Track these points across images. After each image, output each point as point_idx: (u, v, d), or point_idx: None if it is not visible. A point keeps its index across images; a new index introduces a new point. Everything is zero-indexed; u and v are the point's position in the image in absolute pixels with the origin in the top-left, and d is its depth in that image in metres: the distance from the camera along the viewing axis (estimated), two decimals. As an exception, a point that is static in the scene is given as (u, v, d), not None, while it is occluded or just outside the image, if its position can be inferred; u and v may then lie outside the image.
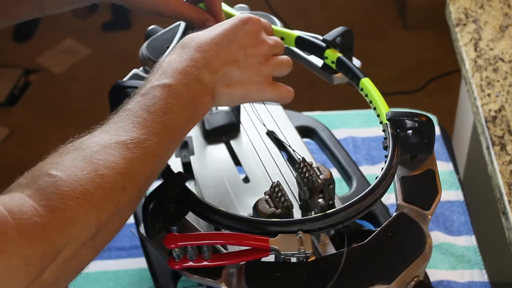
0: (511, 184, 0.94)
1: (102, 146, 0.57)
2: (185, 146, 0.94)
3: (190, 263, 0.63)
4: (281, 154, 0.91)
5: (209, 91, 0.67)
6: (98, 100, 2.36)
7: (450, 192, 1.07)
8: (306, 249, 0.62)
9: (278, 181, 0.69)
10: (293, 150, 0.88)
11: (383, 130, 0.72)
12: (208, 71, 0.66)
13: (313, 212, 0.70)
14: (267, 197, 0.68)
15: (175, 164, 0.92)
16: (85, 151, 0.57)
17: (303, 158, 0.71)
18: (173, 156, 0.93)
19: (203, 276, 0.63)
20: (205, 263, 0.63)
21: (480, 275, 0.96)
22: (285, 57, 0.75)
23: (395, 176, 0.70)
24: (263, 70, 0.71)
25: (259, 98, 0.73)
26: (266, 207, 0.67)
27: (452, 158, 1.13)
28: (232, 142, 0.94)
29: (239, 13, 0.87)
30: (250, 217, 0.65)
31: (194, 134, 0.95)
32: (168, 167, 0.68)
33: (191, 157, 0.92)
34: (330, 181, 0.70)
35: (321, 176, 0.70)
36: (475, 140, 1.32)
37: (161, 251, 0.65)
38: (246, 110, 0.96)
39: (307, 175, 0.70)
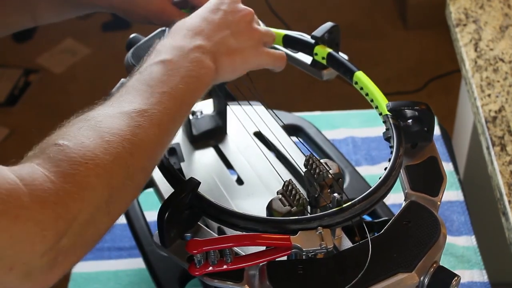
0: (511, 185, 0.94)
1: (106, 116, 0.58)
2: (174, 153, 0.93)
3: (211, 268, 0.62)
4: (271, 153, 0.91)
5: (210, 56, 0.68)
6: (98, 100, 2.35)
7: (450, 192, 1.07)
8: (327, 244, 0.62)
9: (290, 179, 0.69)
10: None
11: (384, 122, 0.73)
12: (203, 38, 0.68)
13: (318, 209, 0.71)
14: (280, 196, 0.68)
15: None
16: (90, 121, 0.58)
17: (311, 154, 0.72)
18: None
19: (225, 280, 0.63)
20: (225, 266, 0.63)
21: (480, 275, 0.96)
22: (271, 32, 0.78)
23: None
24: (254, 34, 0.74)
25: (257, 63, 0.75)
26: (281, 206, 0.67)
27: (452, 158, 1.13)
28: (221, 146, 0.94)
29: None
30: (269, 217, 0.65)
31: (181, 140, 0.95)
32: (177, 175, 0.68)
33: (182, 164, 0.92)
34: (339, 175, 0.71)
35: (330, 171, 0.70)
36: (475, 140, 1.32)
37: (179, 259, 0.64)
38: (233, 112, 0.96)
39: (317, 171, 0.70)
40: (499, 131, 1.01)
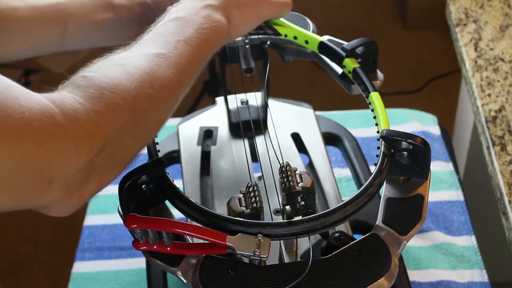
0: (511, 184, 0.94)
1: (126, 56, 0.62)
2: (210, 136, 0.95)
3: (155, 247, 0.64)
4: (301, 157, 0.90)
5: (220, 11, 0.71)
6: (98, 100, 2.35)
7: (450, 192, 1.07)
8: (261, 253, 0.61)
9: (255, 181, 0.68)
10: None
11: (378, 148, 0.70)
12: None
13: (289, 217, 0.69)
14: (241, 195, 0.68)
15: (196, 152, 0.93)
16: (112, 60, 0.62)
17: (287, 163, 0.70)
18: (195, 143, 0.94)
19: (163, 262, 0.64)
20: (169, 249, 0.64)
21: (480, 275, 0.96)
22: None
23: (382, 196, 0.69)
24: None
25: (269, 14, 0.78)
26: (237, 205, 0.67)
27: (452, 158, 1.13)
28: (256, 138, 0.93)
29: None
30: (214, 212, 0.65)
31: (221, 125, 0.96)
32: (154, 151, 0.69)
33: (212, 147, 0.92)
34: (310, 190, 0.68)
35: (300, 184, 0.68)
36: (475, 140, 1.32)
37: (132, 233, 0.65)
38: (276, 109, 0.95)
39: (285, 180, 0.69)
40: (499, 130, 1.01)
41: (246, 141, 0.93)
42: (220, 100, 1.00)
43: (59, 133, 0.52)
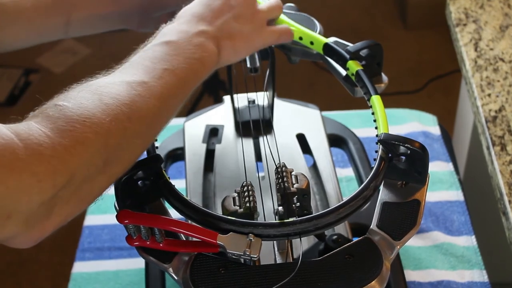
0: (511, 184, 0.94)
1: (106, 83, 0.60)
2: (215, 134, 0.95)
3: (148, 243, 0.64)
4: (305, 158, 0.90)
5: (212, 41, 0.69)
6: (98, 100, 2.36)
7: (450, 192, 1.07)
8: (252, 253, 0.61)
9: (250, 181, 0.68)
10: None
11: (376, 151, 0.70)
12: (206, 24, 0.70)
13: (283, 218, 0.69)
14: (235, 194, 0.68)
15: (200, 150, 0.93)
16: (91, 86, 0.59)
17: (283, 163, 0.70)
18: (200, 141, 0.94)
19: (155, 258, 0.64)
20: (161, 245, 0.64)
21: (480, 275, 0.96)
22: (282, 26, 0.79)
23: (378, 200, 0.68)
24: (256, 17, 0.74)
25: (261, 44, 0.76)
26: (231, 204, 0.67)
27: (452, 158, 1.13)
28: (261, 138, 0.93)
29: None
30: (206, 210, 0.65)
31: (227, 123, 0.96)
32: (151, 148, 0.69)
33: (217, 145, 0.92)
34: (305, 191, 0.68)
35: (295, 185, 0.68)
36: (475, 140, 1.32)
37: (125, 228, 0.65)
38: (282, 109, 0.95)
39: (280, 181, 0.69)
40: (499, 130, 1.01)
41: (251, 141, 0.93)
42: (227, 98, 1.00)
43: (20, 167, 0.50)
